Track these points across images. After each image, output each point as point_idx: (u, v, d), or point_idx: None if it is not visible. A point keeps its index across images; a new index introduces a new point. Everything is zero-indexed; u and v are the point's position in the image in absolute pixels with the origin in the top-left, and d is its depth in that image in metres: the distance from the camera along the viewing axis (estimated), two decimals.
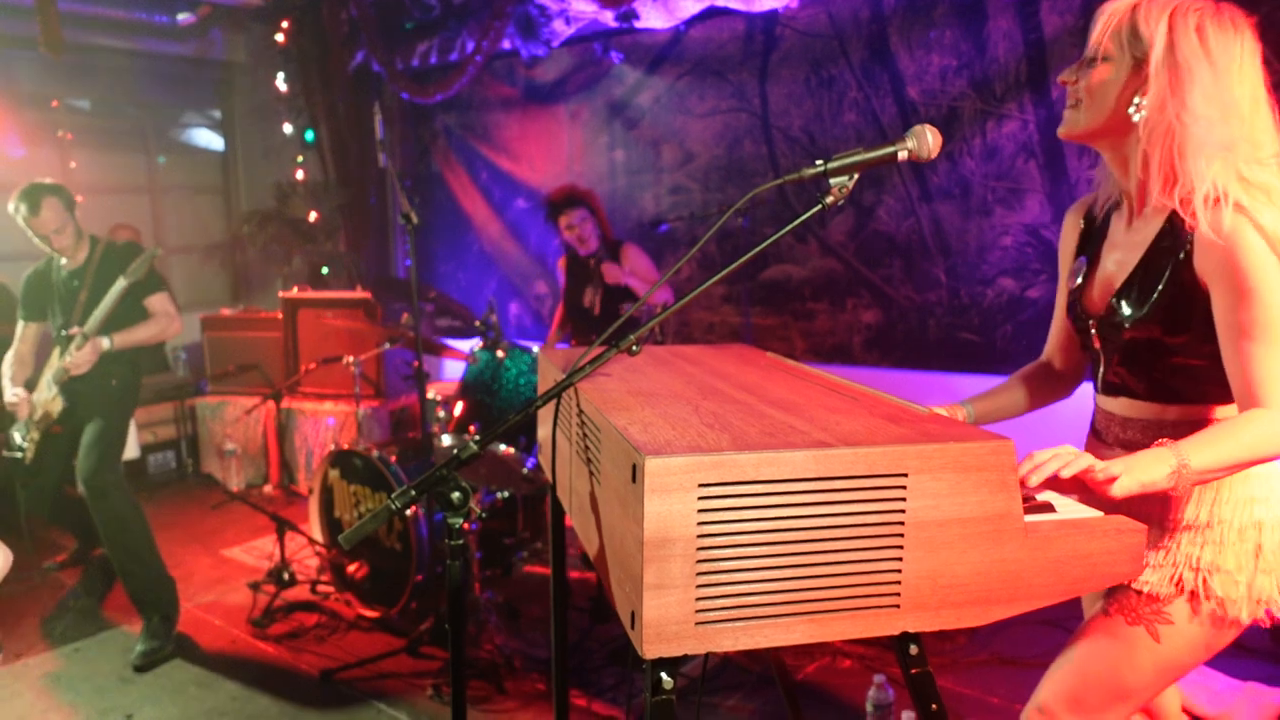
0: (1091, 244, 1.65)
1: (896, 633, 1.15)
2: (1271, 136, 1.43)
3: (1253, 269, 1.33)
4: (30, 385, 3.60)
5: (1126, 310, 1.50)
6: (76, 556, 4.18)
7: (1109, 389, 1.61)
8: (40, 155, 6.27)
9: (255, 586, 3.76)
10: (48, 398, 3.49)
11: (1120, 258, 1.55)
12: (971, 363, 4.34)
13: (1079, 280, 1.64)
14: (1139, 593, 1.47)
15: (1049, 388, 1.83)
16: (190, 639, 3.50)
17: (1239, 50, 1.41)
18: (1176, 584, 1.45)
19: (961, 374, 4.35)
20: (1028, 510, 1.20)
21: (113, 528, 3.38)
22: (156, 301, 3.58)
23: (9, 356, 3.67)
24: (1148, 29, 1.41)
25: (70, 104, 6.47)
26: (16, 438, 3.55)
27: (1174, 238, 1.44)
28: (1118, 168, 1.54)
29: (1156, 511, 1.48)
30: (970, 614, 1.17)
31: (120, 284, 3.38)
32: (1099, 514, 1.27)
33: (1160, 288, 1.45)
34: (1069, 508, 1.30)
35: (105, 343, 3.44)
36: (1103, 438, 1.63)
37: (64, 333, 3.48)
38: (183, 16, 6.59)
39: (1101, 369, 1.62)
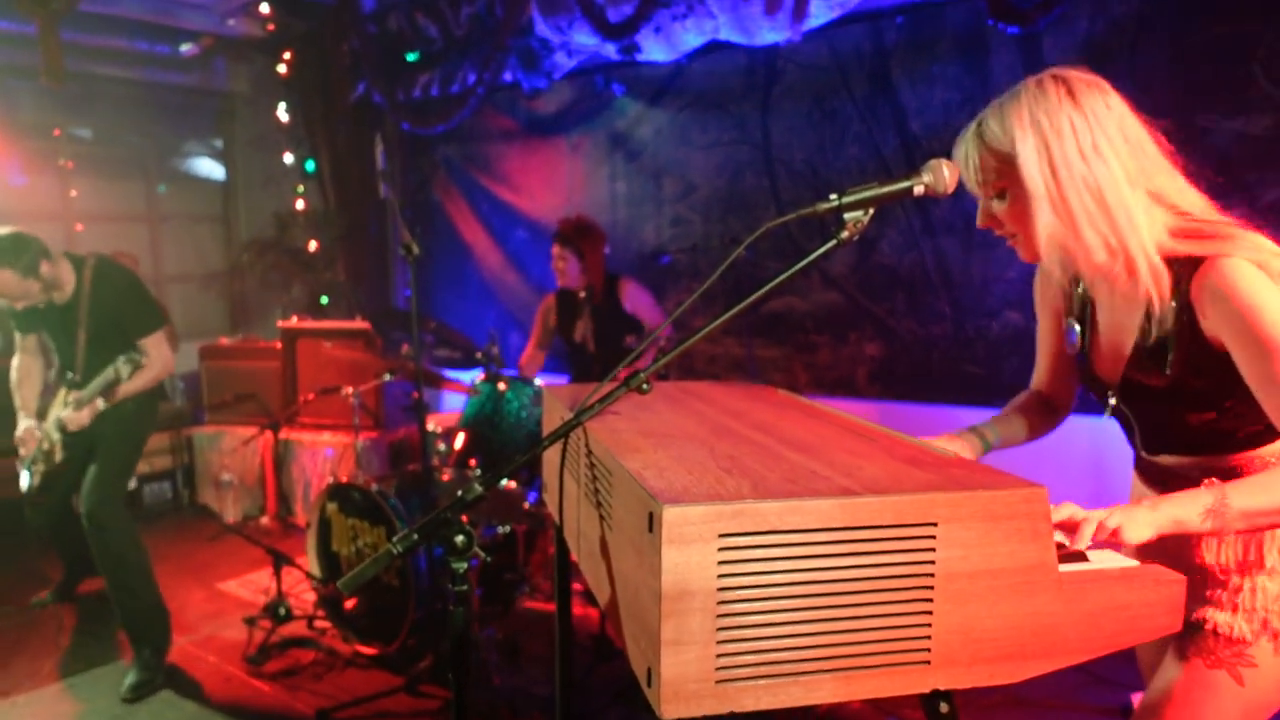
0: (1081, 305, 1.61)
1: (927, 690, 1.10)
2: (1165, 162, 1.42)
3: (1265, 323, 1.28)
4: (41, 413, 3.55)
5: (1146, 378, 1.46)
6: (62, 591, 4.10)
7: (1150, 449, 1.56)
8: (41, 183, 6.27)
9: (251, 622, 3.68)
10: (53, 439, 3.45)
11: (1120, 321, 1.51)
12: (977, 395, 4.29)
13: (1077, 341, 1.61)
14: (1216, 635, 1.42)
15: (1045, 420, 1.81)
16: (184, 676, 3.42)
17: (1097, 94, 1.39)
18: (1262, 624, 1.40)
19: (966, 407, 4.30)
20: (1061, 560, 1.15)
21: (109, 562, 3.35)
22: (151, 344, 3.46)
23: (15, 367, 3.59)
24: (996, 134, 1.41)
25: (72, 133, 6.47)
26: (23, 478, 3.51)
27: (1171, 291, 1.39)
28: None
29: (1225, 551, 1.44)
30: (1004, 670, 1.11)
31: (110, 371, 3.32)
32: (1134, 563, 1.22)
33: (1172, 352, 1.40)
34: (1104, 557, 1.25)
35: (101, 404, 3.39)
36: (1158, 485, 1.57)
37: (69, 375, 3.43)
38: (185, 48, 6.62)
39: (1136, 432, 1.58)
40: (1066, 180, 1.36)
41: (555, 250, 4.11)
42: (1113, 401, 1.56)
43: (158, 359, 3.49)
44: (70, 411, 3.35)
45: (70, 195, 6.44)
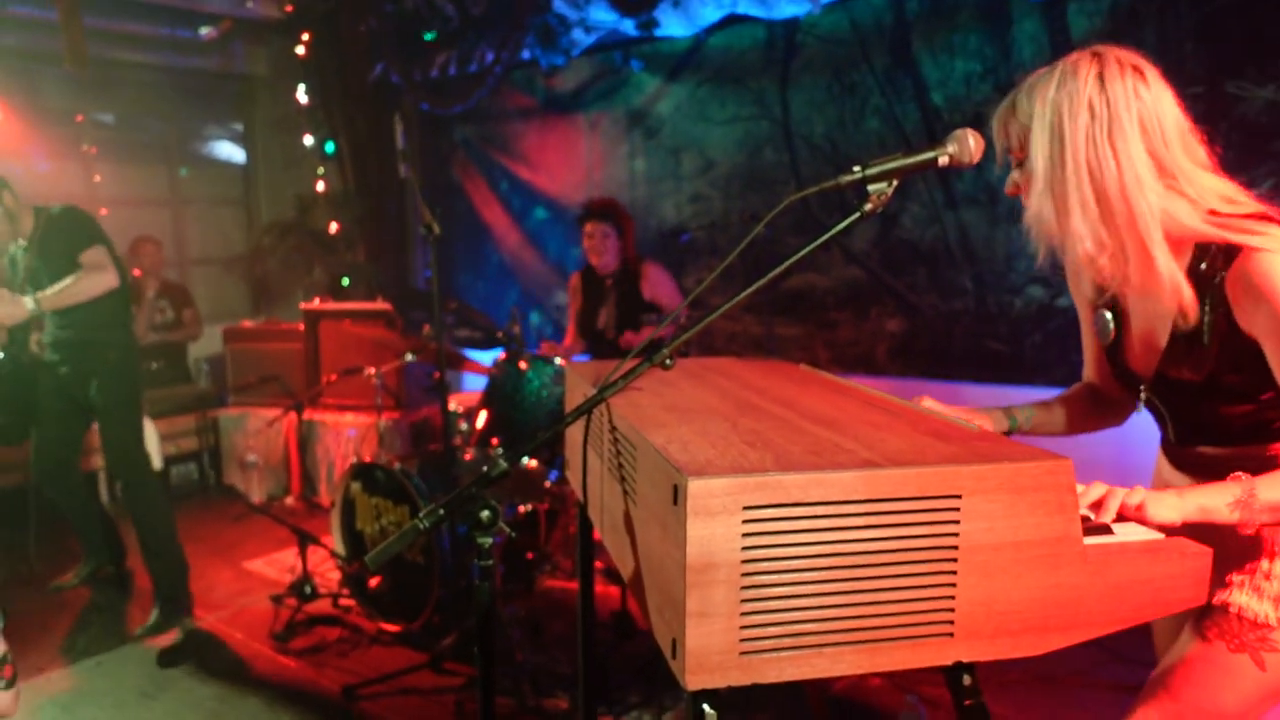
0: (1112, 295, 1.56)
1: (949, 662, 1.10)
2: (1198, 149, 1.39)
3: None
4: None
5: (1180, 373, 1.43)
6: (84, 576, 4.16)
7: (1185, 440, 1.54)
8: (65, 169, 6.32)
9: (277, 600, 3.73)
10: None
11: (1152, 309, 1.48)
12: (999, 372, 4.26)
13: (1110, 336, 1.57)
14: (1240, 618, 1.41)
15: (1095, 413, 1.75)
16: (212, 652, 3.48)
17: (1130, 79, 1.35)
18: None
19: (989, 384, 4.27)
20: (1085, 532, 1.14)
21: (143, 513, 3.62)
22: (90, 255, 3.48)
23: None
24: (1023, 107, 1.41)
25: (95, 118, 6.52)
26: None
27: (1200, 279, 1.37)
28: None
29: (1250, 538, 1.42)
30: (1027, 642, 1.11)
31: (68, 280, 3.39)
32: (1160, 536, 1.22)
33: (1207, 344, 1.38)
34: (1129, 530, 1.24)
35: (29, 303, 3.38)
36: (1190, 471, 1.55)
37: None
38: (205, 31, 6.64)
39: (1169, 426, 1.56)
40: (1070, 166, 1.35)
41: (591, 228, 4.00)
42: (1144, 395, 1.54)
43: (94, 267, 3.47)
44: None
45: (94, 180, 6.50)
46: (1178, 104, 1.38)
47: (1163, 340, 1.46)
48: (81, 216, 3.58)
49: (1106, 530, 1.24)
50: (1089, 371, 1.77)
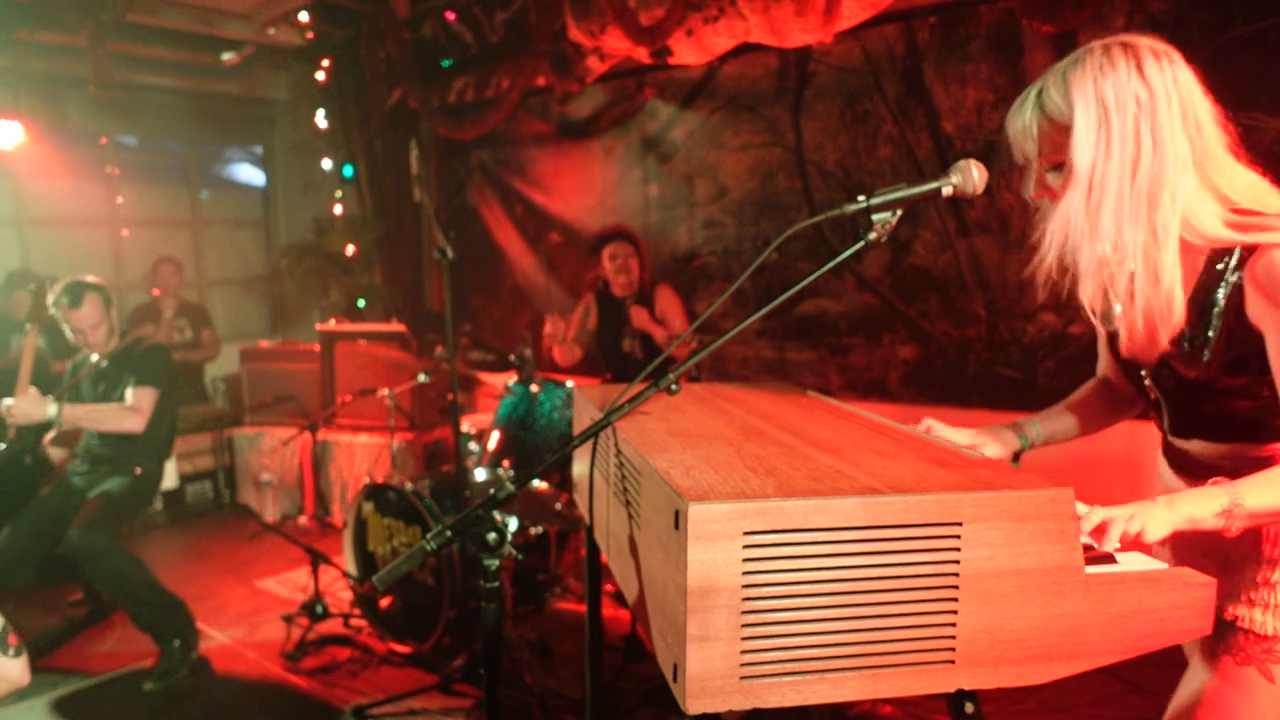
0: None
1: (951, 690, 1.10)
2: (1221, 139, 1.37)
3: None
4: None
5: (1181, 363, 1.43)
6: (90, 594, 4.15)
7: (1179, 432, 1.53)
8: (89, 190, 6.44)
9: (289, 619, 3.75)
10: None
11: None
12: (1012, 399, 4.25)
13: (1115, 324, 1.56)
14: (1247, 632, 1.39)
15: (1114, 409, 1.75)
16: (224, 671, 3.49)
17: (1166, 67, 1.33)
18: None
19: (1002, 410, 4.26)
20: (1088, 561, 1.15)
21: (111, 583, 3.39)
22: (139, 394, 3.56)
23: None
24: (1057, 103, 1.35)
25: (118, 141, 6.64)
26: None
27: (1214, 276, 1.37)
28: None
29: (1251, 547, 1.41)
30: (1030, 671, 1.11)
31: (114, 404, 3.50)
32: (1164, 565, 1.22)
33: (1212, 335, 1.38)
34: (1132, 559, 1.24)
35: (51, 409, 3.42)
36: (1186, 474, 1.54)
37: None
38: (227, 56, 6.77)
39: (1166, 416, 1.55)
40: (1116, 158, 1.31)
41: (614, 249, 4.03)
42: (1146, 382, 1.53)
43: (133, 410, 3.55)
44: (15, 402, 3.39)
45: (117, 201, 6.61)
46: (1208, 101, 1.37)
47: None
48: (161, 357, 3.68)
49: (1110, 559, 1.24)
50: (1101, 364, 1.76)
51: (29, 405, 3.41)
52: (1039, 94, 1.39)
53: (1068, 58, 1.38)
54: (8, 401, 3.41)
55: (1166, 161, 1.31)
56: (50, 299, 3.52)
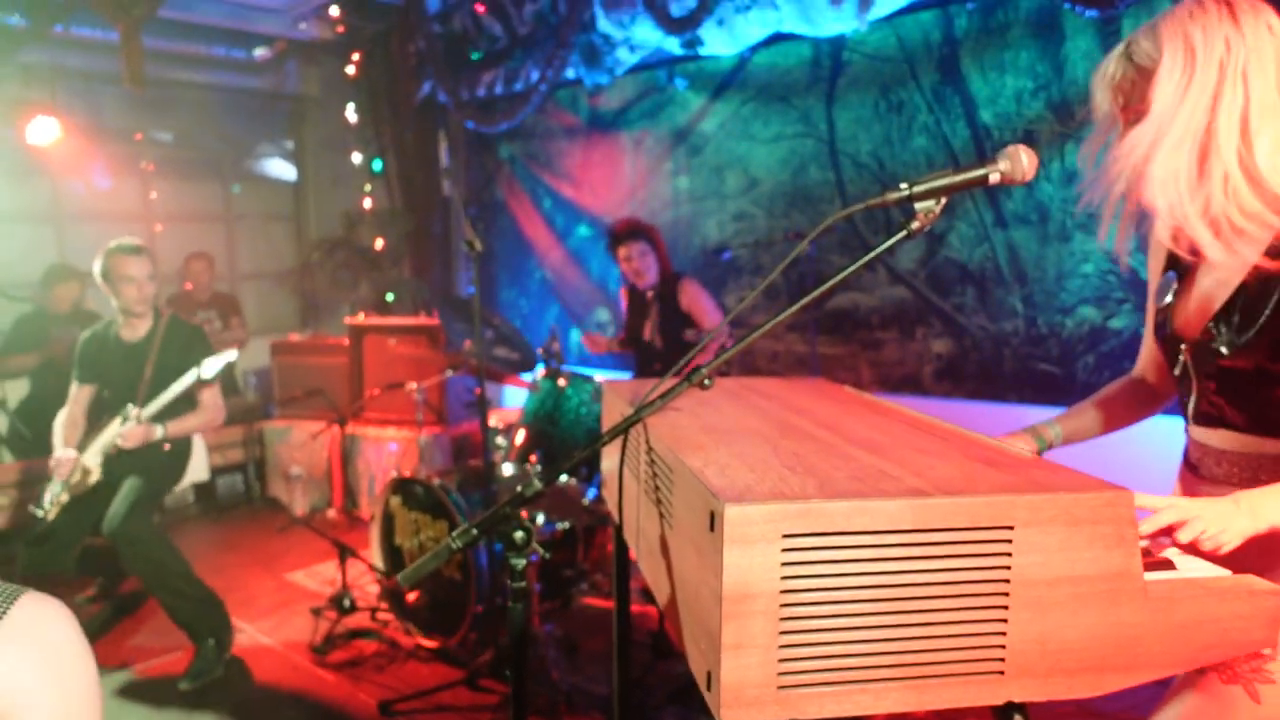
0: (1178, 262, 1.50)
1: (1000, 703, 1.05)
2: None
3: None
4: (80, 447, 3.57)
5: (1226, 336, 1.36)
6: (104, 590, 4.17)
7: (1204, 420, 1.46)
8: (124, 186, 6.50)
9: (317, 612, 3.75)
10: (91, 464, 3.51)
11: (1220, 276, 1.41)
12: (1050, 395, 4.15)
13: (1169, 298, 1.50)
14: None
15: (1140, 404, 1.70)
16: (252, 664, 3.50)
17: (1262, 15, 1.30)
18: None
19: (1039, 406, 4.16)
20: (1146, 567, 1.08)
21: (149, 571, 3.36)
22: (208, 394, 3.64)
23: (61, 417, 3.67)
24: (1147, 50, 1.33)
25: (153, 136, 6.70)
26: (46, 498, 3.52)
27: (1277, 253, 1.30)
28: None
29: (1252, 560, 1.34)
30: (1083, 683, 1.05)
31: (192, 374, 3.48)
32: (1226, 573, 1.15)
33: (1268, 313, 1.31)
34: (1192, 565, 1.18)
35: (159, 431, 3.50)
36: (1198, 472, 1.49)
37: (128, 409, 3.52)
38: (259, 52, 6.80)
39: (1194, 398, 1.47)
40: (1195, 95, 1.29)
41: (627, 250, 4.10)
42: (1183, 359, 1.47)
43: (213, 408, 3.65)
44: (131, 425, 3.44)
45: (151, 197, 6.67)
46: None
47: (1217, 305, 1.39)
48: (205, 343, 3.68)
49: (1168, 565, 1.17)
50: (1143, 354, 1.71)
51: (143, 432, 3.47)
52: (1128, 44, 1.37)
53: (1160, 14, 1.36)
54: (120, 430, 3.46)
55: (1252, 104, 1.28)
56: (98, 262, 3.49)
